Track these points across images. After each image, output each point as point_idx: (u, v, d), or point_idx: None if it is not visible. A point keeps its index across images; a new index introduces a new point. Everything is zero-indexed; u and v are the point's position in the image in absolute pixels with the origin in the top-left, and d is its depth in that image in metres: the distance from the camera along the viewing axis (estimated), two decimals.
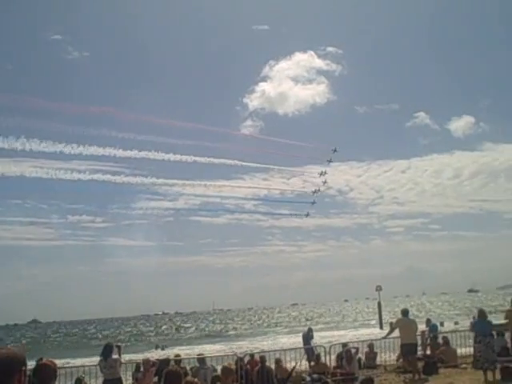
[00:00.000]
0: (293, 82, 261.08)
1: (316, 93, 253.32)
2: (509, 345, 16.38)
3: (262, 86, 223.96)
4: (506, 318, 15.58)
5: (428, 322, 24.68)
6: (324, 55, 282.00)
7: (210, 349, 36.80)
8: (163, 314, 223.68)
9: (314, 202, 48.53)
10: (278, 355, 18.10)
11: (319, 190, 48.43)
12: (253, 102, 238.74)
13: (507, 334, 16.37)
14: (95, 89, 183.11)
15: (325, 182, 48.60)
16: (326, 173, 47.92)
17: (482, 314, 15.16)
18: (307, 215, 47.49)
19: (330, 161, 44.84)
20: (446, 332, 22.08)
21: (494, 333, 16.80)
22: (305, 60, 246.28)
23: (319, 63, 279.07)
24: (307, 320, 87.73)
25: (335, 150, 45.90)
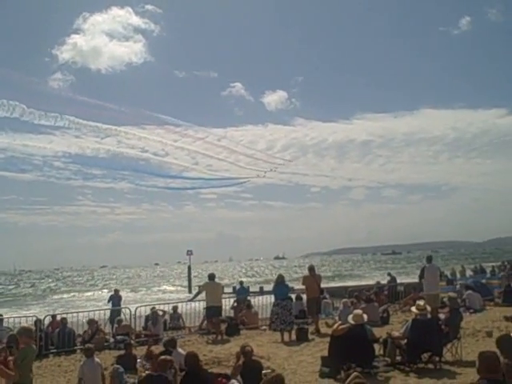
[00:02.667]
0: (108, 38, 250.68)
1: (132, 51, 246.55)
2: (305, 308, 17.75)
3: (74, 39, 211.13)
4: (303, 284, 16.85)
5: (241, 283, 26.04)
6: (142, 13, 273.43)
7: (8, 311, 34.84)
8: None
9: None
10: (82, 317, 17.84)
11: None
12: (63, 54, 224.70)
13: (304, 298, 17.73)
14: None
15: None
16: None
17: (280, 279, 16.30)
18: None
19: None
20: (250, 295, 23.42)
21: (293, 296, 18.20)
22: (121, 16, 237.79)
23: (137, 21, 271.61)
24: (116, 282, 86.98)
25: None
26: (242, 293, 23.79)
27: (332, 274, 75.10)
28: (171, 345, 10.86)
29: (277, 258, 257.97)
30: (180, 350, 10.79)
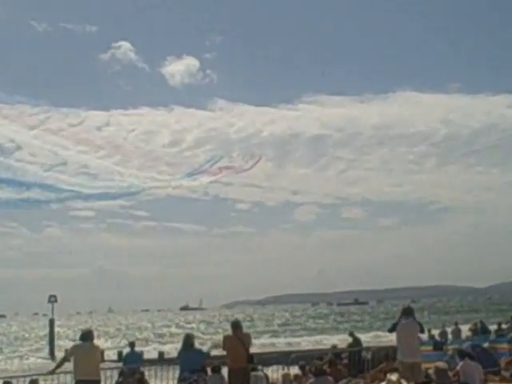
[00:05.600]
0: None
1: None
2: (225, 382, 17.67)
3: None
4: (223, 348, 16.60)
5: (131, 346, 25.77)
6: None
7: None
8: None
9: None
10: None
11: None
12: None
13: (224, 370, 17.65)
14: None
15: None
16: None
17: (188, 342, 16.03)
18: None
19: None
20: (144, 365, 23.19)
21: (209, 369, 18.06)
22: None
23: None
24: None
25: None
26: (131, 360, 23.49)
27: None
28: None
29: (184, 308, 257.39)
30: None
